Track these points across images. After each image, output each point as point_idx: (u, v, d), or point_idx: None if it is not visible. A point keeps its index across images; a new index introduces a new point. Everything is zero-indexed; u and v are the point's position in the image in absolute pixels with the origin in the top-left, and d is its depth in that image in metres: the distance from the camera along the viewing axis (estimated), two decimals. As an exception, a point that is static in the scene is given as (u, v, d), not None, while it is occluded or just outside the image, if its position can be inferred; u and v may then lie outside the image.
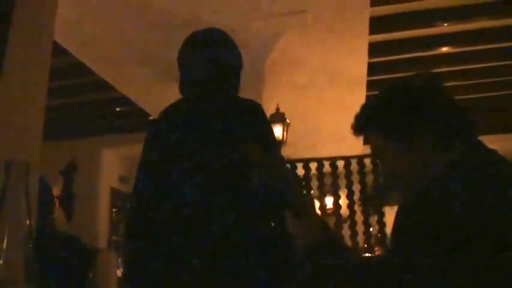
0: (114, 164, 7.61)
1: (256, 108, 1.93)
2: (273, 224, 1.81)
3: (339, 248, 1.22)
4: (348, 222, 6.46)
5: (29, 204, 0.80)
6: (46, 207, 1.74)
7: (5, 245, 0.76)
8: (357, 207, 6.57)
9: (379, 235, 6.50)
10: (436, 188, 1.12)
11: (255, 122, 1.89)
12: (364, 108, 1.33)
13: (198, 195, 1.74)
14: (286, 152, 5.78)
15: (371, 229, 6.65)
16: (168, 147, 1.81)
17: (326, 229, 1.26)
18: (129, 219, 1.88)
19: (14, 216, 0.79)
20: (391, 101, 1.28)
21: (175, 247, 1.71)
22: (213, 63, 1.90)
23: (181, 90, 1.97)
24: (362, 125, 1.32)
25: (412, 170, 1.23)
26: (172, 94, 1.99)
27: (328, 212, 7.27)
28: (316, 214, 1.30)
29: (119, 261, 6.83)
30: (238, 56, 1.98)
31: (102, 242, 7.11)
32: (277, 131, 5.49)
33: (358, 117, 1.33)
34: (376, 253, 5.83)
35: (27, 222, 0.79)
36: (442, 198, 1.07)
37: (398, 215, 1.26)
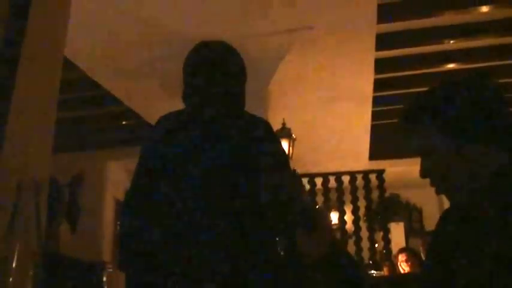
0: (120, 177, 7.62)
1: (265, 125, 1.92)
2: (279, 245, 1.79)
3: (349, 262, 1.21)
4: (353, 238, 6.44)
5: (39, 223, 0.80)
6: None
7: (14, 264, 0.77)
8: (362, 223, 6.55)
9: (384, 251, 6.47)
10: (486, 196, 1.10)
11: (265, 138, 1.87)
12: (418, 99, 1.28)
13: (199, 212, 1.70)
14: (292, 167, 5.78)
15: (376, 245, 6.62)
16: (167, 157, 1.77)
17: (336, 243, 1.25)
18: (121, 234, 1.83)
19: (25, 236, 0.80)
20: (449, 96, 1.22)
21: (172, 264, 1.68)
22: (218, 74, 1.90)
23: (185, 100, 1.95)
24: (412, 116, 1.27)
25: (460, 171, 1.18)
26: (178, 108, 1.99)
27: (333, 227, 7.25)
28: (328, 227, 1.29)
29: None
30: (243, 68, 1.98)
31: (107, 255, 7.10)
32: (284, 146, 5.49)
33: (410, 107, 1.28)
34: (385, 269, 5.78)
35: (38, 241, 0.80)
36: (492, 205, 1.06)
37: (445, 217, 1.24)
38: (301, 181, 6.28)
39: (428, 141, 1.23)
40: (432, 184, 1.24)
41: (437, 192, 1.25)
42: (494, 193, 1.10)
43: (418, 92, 1.31)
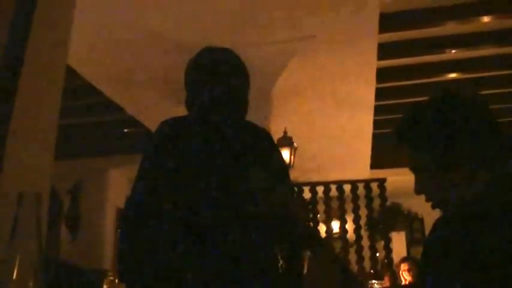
0: (121, 185, 7.61)
1: (265, 134, 1.91)
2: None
3: None
4: (354, 247, 6.42)
5: (39, 234, 0.80)
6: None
7: (15, 275, 0.77)
8: (363, 232, 6.53)
9: (385, 260, 6.45)
10: (474, 211, 1.13)
11: (265, 148, 1.86)
12: (405, 119, 1.31)
13: (202, 224, 1.69)
14: (293, 176, 5.78)
15: (377, 254, 6.61)
16: (168, 167, 1.74)
17: (348, 273, 1.26)
18: (120, 243, 1.81)
19: (25, 247, 0.79)
20: (433, 115, 1.25)
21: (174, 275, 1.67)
22: (221, 81, 1.88)
23: (187, 106, 1.93)
24: (401, 136, 1.30)
25: (449, 187, 1.21)
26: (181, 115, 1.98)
27: (335, 236, 7.23)
28: (338, 259, 1.30)
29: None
30: (247, 76, 1.97)
31: (107, 263, 7.08)
32: (285, 154, 5.49)
33: (398, 128, 1.31)
34: (386, 278, 5.75)
35: (38, 252, 0.80)
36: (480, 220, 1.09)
37: (435, 228, 1.26)
38: (298, 196, 6.28)
39: (418, 161, 1.27)
40: (427, 200, 1.28)
41: (433, 207, 1.28)
42: (483, 208, 1.13)
43: (407, 108, 1.33)
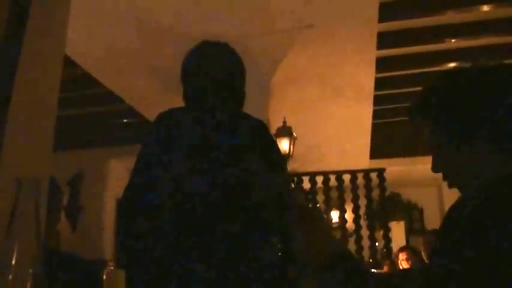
0: (121, 175, 7.61)
1: (263, 127, 1.92)
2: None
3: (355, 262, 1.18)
4: (354, 236, 6.44)
5: (38, 221, 0.81)
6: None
7: (13, 261, 0.77)
8: (362, 222, 6.55)
9: (384, 250, 6.48)
10: (490, 195, 1.03)
11: (262, 140, 1.87)
12: (418, 97, 1.22)
13: (197, 210, 1.70)
14: (293, 166, 5.80)
15: (377, 244, 6.63)
16: (167, 154, 1.76)
17: (338, 242, 1.21)
18: (118, 235, 1.83)
19: (24, 233, 0.80)
20: (454, 90, 1.16)
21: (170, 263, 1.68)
22: (217, 75, 1.90)
23: (185, 99, 1.96)
24: (414, 115, 1.23)
25: (467, 168, 1.14)
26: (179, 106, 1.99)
27: (334, 225, 7.26)
28: (326, 226, 1.25)
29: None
30: (242, 69, 1.98)
31: (108, 253, 7.11)
32: (284, 144, 5.50)
33: (412, 106, 1.24)
34: (385, 267, 5.78)
35: (37, 239, 0.80)
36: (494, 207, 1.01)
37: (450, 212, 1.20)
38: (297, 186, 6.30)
39: (434, 139, 1.19)
40: (444, 179, 1.21)
41: (450, 186, 1.21)
42: (500, 193, 1.06)
43: (421, 89, 1.27)
